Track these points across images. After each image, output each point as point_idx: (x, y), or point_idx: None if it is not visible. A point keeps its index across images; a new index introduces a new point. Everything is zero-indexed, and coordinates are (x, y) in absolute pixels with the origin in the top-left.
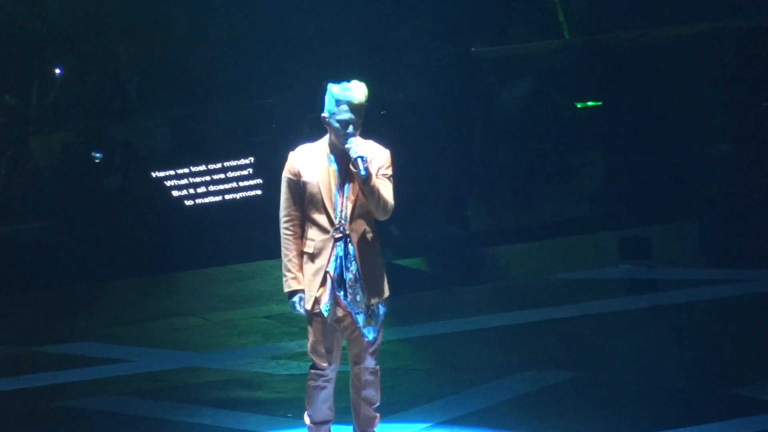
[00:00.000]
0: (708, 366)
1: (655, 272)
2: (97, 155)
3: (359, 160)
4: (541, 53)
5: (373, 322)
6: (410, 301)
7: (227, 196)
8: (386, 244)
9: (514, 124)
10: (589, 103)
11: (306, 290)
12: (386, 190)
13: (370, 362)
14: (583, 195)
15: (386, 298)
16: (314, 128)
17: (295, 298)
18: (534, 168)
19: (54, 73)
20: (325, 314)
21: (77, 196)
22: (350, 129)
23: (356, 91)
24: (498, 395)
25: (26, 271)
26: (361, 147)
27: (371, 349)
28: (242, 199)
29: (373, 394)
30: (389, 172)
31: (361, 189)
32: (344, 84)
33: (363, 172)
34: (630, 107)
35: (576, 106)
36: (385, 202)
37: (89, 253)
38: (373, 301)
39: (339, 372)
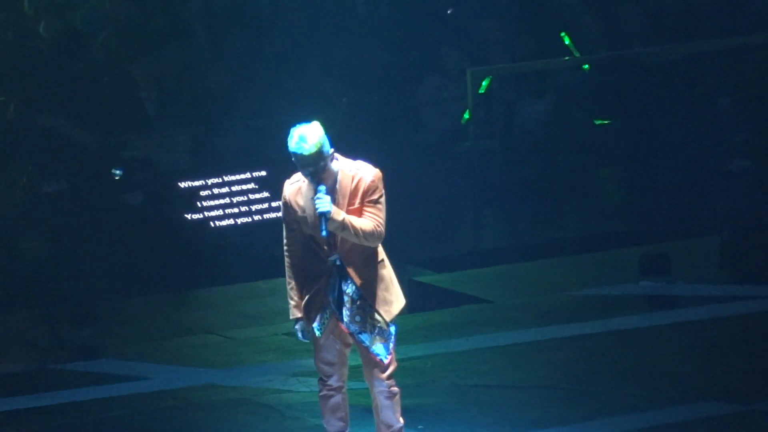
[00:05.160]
0: (729, 382)
1: (676, 288)
2: (117, 172)
3: (322, 219)
4: (560, 69)
5: (382, 340)
6: (429, 318)
7: (245, 211)
8: None
9: (534, 140)
10: (597, 122)
11: (309, 307)
12: (367, 222)
13: (382, 385)
14: (604, 211)
15: (395, 317)
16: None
17: (298, 326)
18: (555, 184)
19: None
20: (317, 332)
21: (96, 212)
22: (309, 176)
23: (305, 144)
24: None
25: (46, 287)
26: (324, 202)
27: (382, 373)
28: (261, 215)
29: (390, 416)
30: (376, 196)
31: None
32: (297, 132)
33: (324, 233)
34: (651, 122)
35: (594, 123)
36: (368, 235)
37: (108, 269)
38: (378, 319)
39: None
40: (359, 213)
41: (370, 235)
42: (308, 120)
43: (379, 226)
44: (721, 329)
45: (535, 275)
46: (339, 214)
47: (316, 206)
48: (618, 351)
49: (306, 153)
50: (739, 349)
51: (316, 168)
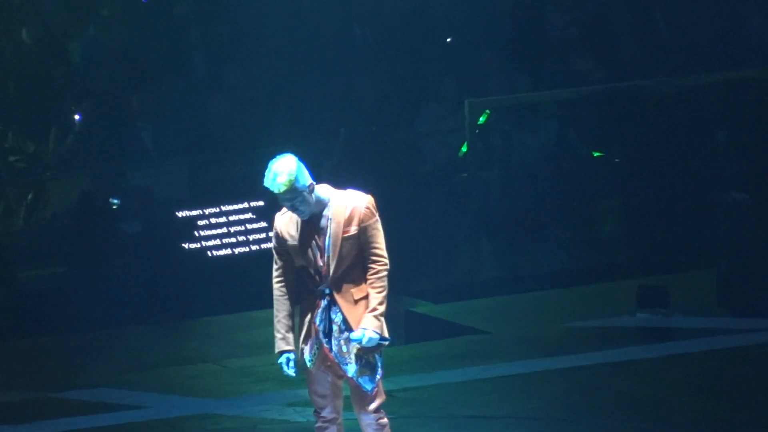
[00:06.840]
0: (725, 415)
1: (673, 321)
2: (115, 201)
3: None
4: (559, 102)
5: (368, 372)
6: (426, 349)
7: (243, 241)
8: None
9: (531, 172)
10: (595, 154)
11: (300, 339)
12: (377, 280)
13: (369, 418)
14: (601, 243)
15: (382, 348)
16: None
17: (282, 359)
18: (552, 215)
19: (72, 119)
20: (308, 364)
21: (94, 241)
22: (289, 209)
23: (277, 182)
24: None
25: (43, 316)
26: (371, 342)
27: (369, 405)
28: (259, 245)
29: None
30: (372, 221)
31: (341, 247)
32: (271, 169)
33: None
34: (648, 155)
35: (592, 155)
36: (385, 280)
37: (106, 298)
38: (366, 351)
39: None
40: (356, 239)
41: (385, 278)
42: (286, 151)
43: (381, 263)
44: (718, 362)
45: (533, 307)
46: (378, 320)
47: (367, 345)
48: (615, 383)
49: (277, 191)
50: (736, 382)
51: (292, 202)
